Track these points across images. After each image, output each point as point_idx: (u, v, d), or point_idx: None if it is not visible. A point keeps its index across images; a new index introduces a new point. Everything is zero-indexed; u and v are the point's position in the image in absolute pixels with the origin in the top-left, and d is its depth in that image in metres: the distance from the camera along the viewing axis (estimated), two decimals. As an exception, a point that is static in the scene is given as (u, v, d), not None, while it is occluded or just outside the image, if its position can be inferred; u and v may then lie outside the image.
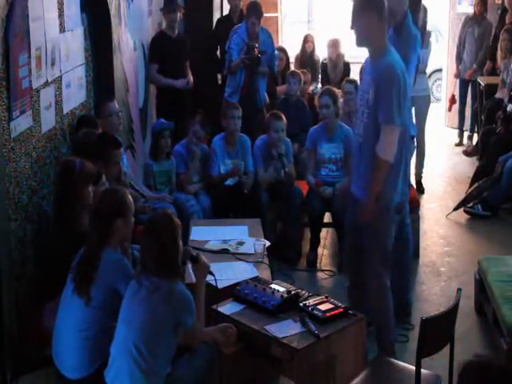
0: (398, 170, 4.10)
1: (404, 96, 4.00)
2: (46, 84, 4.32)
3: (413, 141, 5.43)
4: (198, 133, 5.88)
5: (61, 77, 4.61)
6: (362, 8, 4.04)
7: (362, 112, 4.15)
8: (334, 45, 8.40)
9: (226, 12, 8.56)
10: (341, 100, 6.32)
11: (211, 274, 3.67)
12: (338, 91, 6.49)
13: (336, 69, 8.43)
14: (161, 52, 6.78)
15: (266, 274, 4.29)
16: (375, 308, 4.30)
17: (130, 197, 3.65)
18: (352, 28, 4.09)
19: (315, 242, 5.90)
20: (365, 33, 4.05)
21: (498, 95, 8.28)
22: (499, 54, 8.60)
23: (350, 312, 3.73)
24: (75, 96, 4.95)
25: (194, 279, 3.71)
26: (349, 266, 4.70)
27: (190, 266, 3.75)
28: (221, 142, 6.01)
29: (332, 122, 5.93)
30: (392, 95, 3.94)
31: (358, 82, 4.11)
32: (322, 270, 5.80)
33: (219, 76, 8.21)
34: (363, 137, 4.13)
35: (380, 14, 4.03)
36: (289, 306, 3.76)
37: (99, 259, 3.45)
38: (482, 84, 8.87)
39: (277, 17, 10.89)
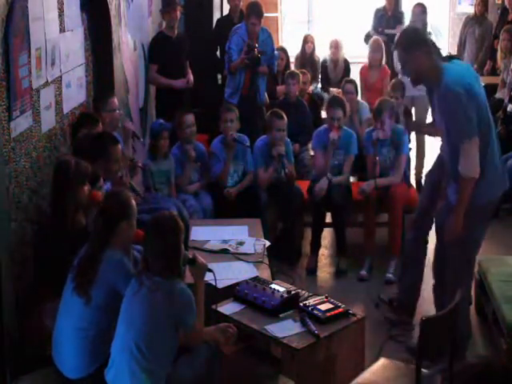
0: (482, 173, 4.01)
1: (473, 103, 3.98)
2: (46, 84, 4.32)
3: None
4: (189, 133, 5.87)
5: (61, 77, 4.61)
6: (406, 51, 4.06)
7: (445, 142, 4.16)
8: (337, 46, 8.40)
9: (226, 12, 8.56)
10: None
11: (210, 271, 3.63)
12: (337, 91, 6.47)
13: (336, 69, 8.43)
14: (161, 52, 6.77)
15: (266, 273, 4.29)
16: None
17: (133, 200, 3.66)
18: (404, 74, 4.20)
19: (316, 246, 5.82)
20: (418, 72, 4.07)
21: (498, 95, 8.26)
22: (499, 54, 8.59)
23: (350, 312, 3.74)
24: (75, 96, 4.96)
25: (192, 280, 3.70)
26: (434, 265, 4.56)
27: (187, 268, 3.74)
28: (219, 144, 6.00)
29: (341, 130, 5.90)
30: (458, 114, 3.91)
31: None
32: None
33: (219, 76, 8.20)
34: (452, 165, 4.08)
35: (424, 48, 4.04)
36: (289, 306, 3.76)
37: (100, 260, 3.45)
38: (482, 84, 8.84)
39: (277, 17, 10.88)
